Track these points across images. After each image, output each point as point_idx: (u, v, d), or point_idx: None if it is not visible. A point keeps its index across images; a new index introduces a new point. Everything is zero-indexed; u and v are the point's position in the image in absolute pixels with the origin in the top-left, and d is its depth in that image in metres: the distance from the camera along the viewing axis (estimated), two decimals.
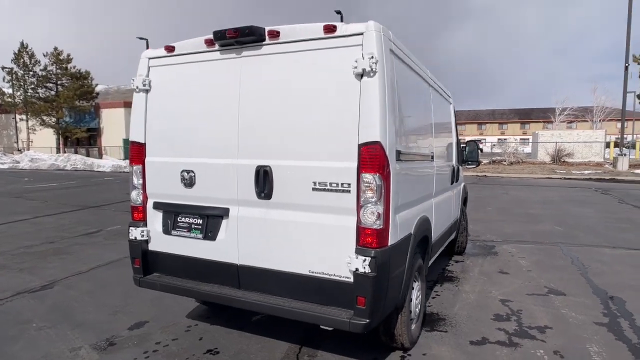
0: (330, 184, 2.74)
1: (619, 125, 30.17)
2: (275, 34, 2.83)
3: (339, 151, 2.72)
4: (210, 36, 3.03)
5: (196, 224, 3.27)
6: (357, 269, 2.64)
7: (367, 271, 2.62)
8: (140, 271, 3.47)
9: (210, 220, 3.21)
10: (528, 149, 38.06)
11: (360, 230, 2.67)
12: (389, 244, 2.74)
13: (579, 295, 4.72)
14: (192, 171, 3.21)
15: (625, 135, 25.29)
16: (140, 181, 3.44)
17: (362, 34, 2.61)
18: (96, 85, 42.80)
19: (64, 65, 40.50)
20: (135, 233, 3.44)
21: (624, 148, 24.26)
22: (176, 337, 3.70)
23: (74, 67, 41.11)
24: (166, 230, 3.39)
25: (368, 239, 2.65)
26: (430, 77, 4.23)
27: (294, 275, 2.91)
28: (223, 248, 3.15)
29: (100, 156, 37.72)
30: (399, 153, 2.88)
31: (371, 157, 2.59)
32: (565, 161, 28.56)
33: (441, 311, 4.27)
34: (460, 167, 5.95)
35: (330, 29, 2.67)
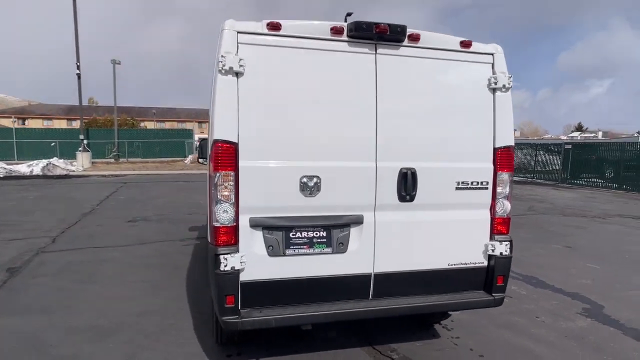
0: (472, 182, 3.11)
1: None
2: (416, 38, 2.92)
3: (477, 153, 3.11)
4: (339, 24, 2.83)
5: (320, 238, 2.91)
6: (501, 253, 3.15)
7: (508, 253, 3.17)
8: (235, 311, 2.75)
9: (336, 231, 2.96)
10: None
11: (495, 221, 3.18)
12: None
13: None
14: (318, 177, 2.82)
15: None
16: (232, 193, 2.69)
17: (492, 54, 3.11)
18: None
19: None
20: (233, 262, 2.69)
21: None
22: None
23: None
24: (274, 252, 2.82)
25: (500, 227, 3.19)
26: None
27: (434, 272, 3.13)
28: (355, 259, 2.97)
29: None
30: None
31: (506, 159, 3.13)
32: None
33: None
34: None
35: (467, 45, 3.04)
